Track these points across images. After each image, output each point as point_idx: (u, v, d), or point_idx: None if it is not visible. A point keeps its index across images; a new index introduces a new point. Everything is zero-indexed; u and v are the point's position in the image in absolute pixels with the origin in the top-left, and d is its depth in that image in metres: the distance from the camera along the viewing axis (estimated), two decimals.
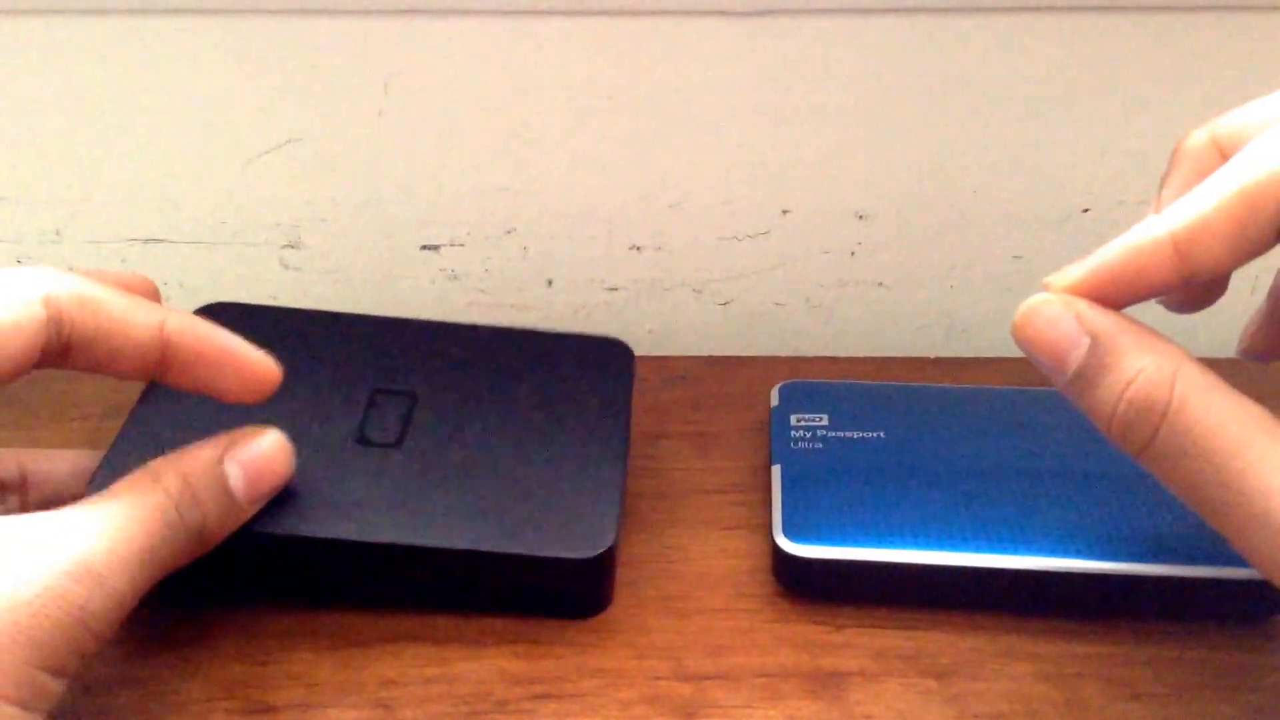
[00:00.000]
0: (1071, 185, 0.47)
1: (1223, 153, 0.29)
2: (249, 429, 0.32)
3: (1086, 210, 0.47)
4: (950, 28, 0.44)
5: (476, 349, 0.39)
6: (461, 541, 0.33)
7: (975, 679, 0.33)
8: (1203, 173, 0.27)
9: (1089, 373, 0.27)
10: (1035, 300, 0.28)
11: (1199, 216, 0.26)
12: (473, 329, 0.40)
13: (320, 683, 0.33)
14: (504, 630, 0.34)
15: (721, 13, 0.43)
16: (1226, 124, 0.30)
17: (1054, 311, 0.27)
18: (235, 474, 0.31)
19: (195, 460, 0.31)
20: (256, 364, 0.31)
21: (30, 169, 0.46)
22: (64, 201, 0.47)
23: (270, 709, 0.32)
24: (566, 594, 0.34)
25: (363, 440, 0.36)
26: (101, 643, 0.27)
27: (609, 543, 0.33)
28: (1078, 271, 0.28)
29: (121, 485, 0.30)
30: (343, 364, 0.38)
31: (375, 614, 0.35)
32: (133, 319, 0.30)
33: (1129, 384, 0.26)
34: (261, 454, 0.32)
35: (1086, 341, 0.27)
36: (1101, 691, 0.32)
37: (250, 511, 0.32)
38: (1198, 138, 0.30)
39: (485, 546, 0.33)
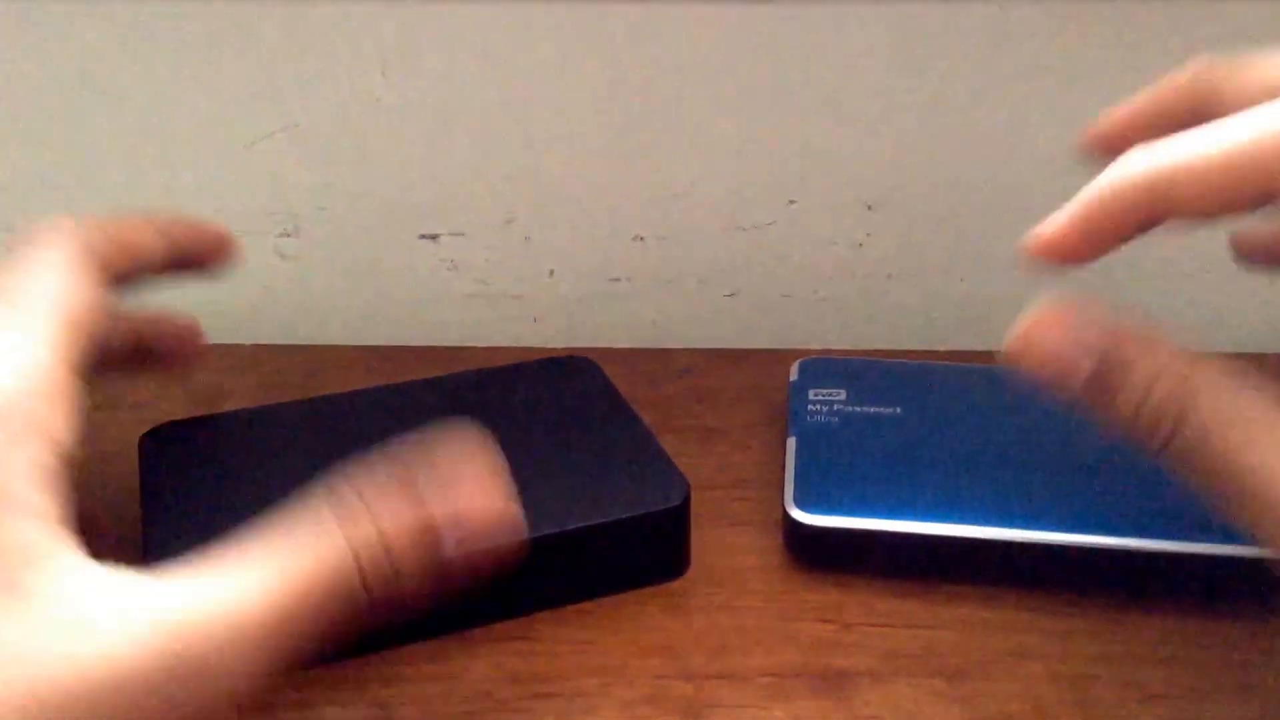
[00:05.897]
0: (1089, 174, 0.46)
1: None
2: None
3: None
4: (960, 14, 0.43)
5: (444, 395, 0.39)
6: (555, 525, 0.33)
7: (986, 679, 0.32)
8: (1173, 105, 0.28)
9: (1101, 381, 0.26)
10: (1034, 313, 0.26)
11: (1197, 155, 0.25)
12: (430, 382, 0.40)
13: (318, 682, 0.32)
14: (502, 628, 0.34)
15: None
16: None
17: (1056, 319, 0.26)
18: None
19: (396, 510, 0.26)
20: (220, 230, 0.36)
21: (21, 157, 0.46)
22: (55, 189, 0.46)
23: (267, 707, 0.31)
24: (659, 551, 0.35)
25: None
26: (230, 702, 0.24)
27: (686, 486, 0.35)
28: (1062, 216, 0.27)
29: (294, 533, 0.25)
30: (322, 440, 0.37)
31: None
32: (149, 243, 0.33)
33: (1148, 389, 0.25)
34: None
35: (1095, 353, 0.26)
36: (1114, 693, 0.32)
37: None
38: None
39: (576, 524, 0.33)
